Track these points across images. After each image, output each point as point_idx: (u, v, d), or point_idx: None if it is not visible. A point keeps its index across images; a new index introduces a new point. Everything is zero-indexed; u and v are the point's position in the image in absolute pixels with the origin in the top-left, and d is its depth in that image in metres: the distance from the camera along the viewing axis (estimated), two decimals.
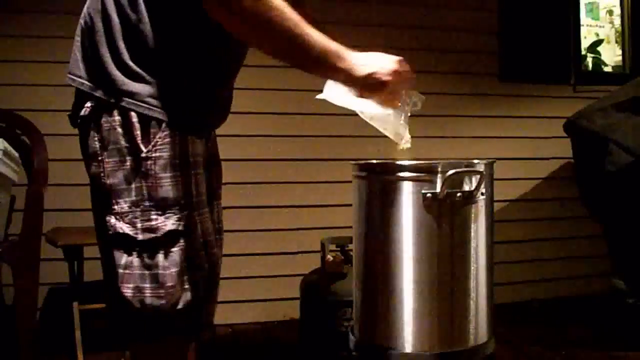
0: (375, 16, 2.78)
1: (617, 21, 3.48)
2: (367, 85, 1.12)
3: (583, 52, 3.31)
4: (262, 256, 2.74)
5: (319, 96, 1.25)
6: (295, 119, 2.77)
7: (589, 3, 3.47)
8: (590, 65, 3.43)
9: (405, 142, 1.32)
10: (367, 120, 1.28)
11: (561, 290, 3.05)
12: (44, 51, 2.51)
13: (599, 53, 3.45)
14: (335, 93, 1.23)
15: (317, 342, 2.11)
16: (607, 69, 3.49)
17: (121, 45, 1.01)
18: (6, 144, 1.90)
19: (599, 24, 3.52)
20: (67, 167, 2.33)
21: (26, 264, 1.95)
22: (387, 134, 1.31)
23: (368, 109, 1.26)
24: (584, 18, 3.35)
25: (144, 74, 1.01)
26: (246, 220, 2.71)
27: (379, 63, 1.12)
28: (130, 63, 1.01)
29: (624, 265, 2.40)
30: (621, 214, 2.35)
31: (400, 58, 1.15)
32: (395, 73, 1.13)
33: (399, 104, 1.26)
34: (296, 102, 2.70)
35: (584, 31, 3.31)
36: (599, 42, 3.46)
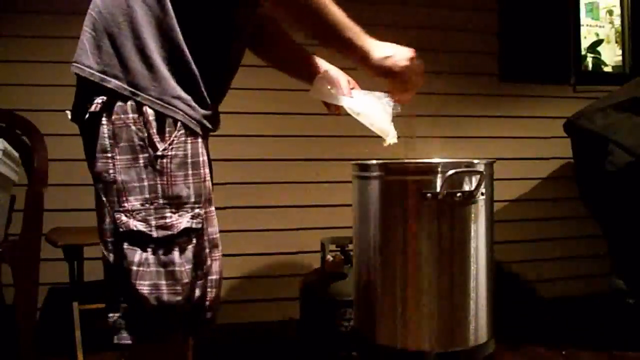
0: (375, 16, 2.78)
1: (617, 21, 3.48)
2: (383, 69, 1.17)
3: (583, 52, 3.31)
4: (262, 256, 2.74)
5: (309, 93, 1.28)
6: (295, 119, 2.77)
7: (589, 3, 3.47)
8: (590, 65, 3.43)
9: (392, 138, 1.34)
10: (355, 117, 1.31)
11: (561, 290, 3.05)
12: (44, 51, 2.51)
13: (599, 53, 3.45)
14: (323, 90, 1.27)
15: (317, 342, 2.11)
16: (607, 69, 3.49)
17: (146, 39, 1.00)
18: (6, 144, 1.90)
19: (599, 24, 3.52)
20: (67, 167, 2.33)
21: (26, 264, 1.95)
22: (373, 129, 1.33)
23: (355, 105, 1.29)
24: (584, 18, 3.35)
25: (163, 70, 1.01)
26: (246, 220, 2.71)
27: (396, 49, 1.19)
28: (154, 57, 1.00)
29: (624, 265, 2.40)
30: (621, 214, 2.35)
31: (414, 51, 1.21)
32: (411, 61, 1.19)
33: (409, 98, 1.30)
34: (296, 102, 2.70)
35: (584, 31, 3.31)
36: (599, 42, 3.46)
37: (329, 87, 1.29)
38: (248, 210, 2.72)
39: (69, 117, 1.10)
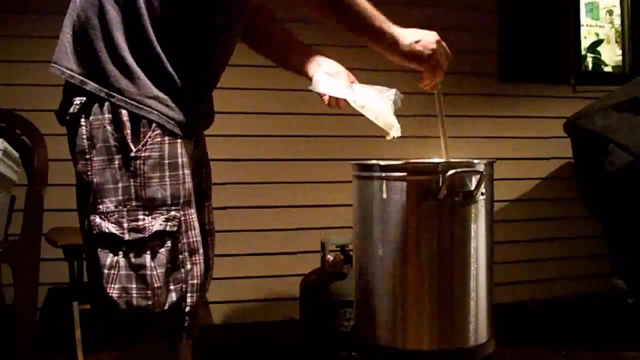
0: None
1: (617, 21, 3.48)
2: (414, 54, 1.19)
3: (583, 52, 3.31)
4: (262, 256, 2.74)
5: (310, 87, 1.27)
6: (295, 119, 2.77)
7: (589, 3, 3.46)
8: (590, 65, 3.43)
9: (395, 131, 1.33)
10: (358, 110, 1.30)
11: (561, 290, 3.05)
12: (44, 51, 2.48)
13: (599, 53, 3.45)
14: (325, 83, 1.26)
15: (317, 342, 2.11)
16: (607, 69, 3.49)
17: (118, 40, 1.00)
18: (6, 144, 1.90)
19: (599, 24, 3.52)
20: (67, 167, 2.30)
21: (26, 264, 1.95)
22: (377, 122, 1.32)
23: (359, 98, 1.27)
24: (584, 18, 3.34)
25: (138, 71, 1.01)
26: (246, 220, 2.71)
27: (423, 33, 1.21)
28: (127, 57, 1.00)
29: (624, 265, 2.40)
30: (621, 214, 2.35)
31: (437, 34, 1.22)
32: (439, 43, 1.21)
33: (439, 80, 1.31)
34: (296, 102, 2.70)
35: (584, 31, 3.31)
36: (599, 42, 3.46)
37: (330, 80, 1.27)
38: (248, 210, 2.72)
39: (57, 118, 1.10)
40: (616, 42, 3.52)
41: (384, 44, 1.18)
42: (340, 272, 2.10)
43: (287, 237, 2.76)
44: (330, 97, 1.30)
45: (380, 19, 1.15)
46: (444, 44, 1.23)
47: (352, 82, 1.33)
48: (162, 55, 1.02)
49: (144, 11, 1.00)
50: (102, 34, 1.01)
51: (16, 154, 2.02)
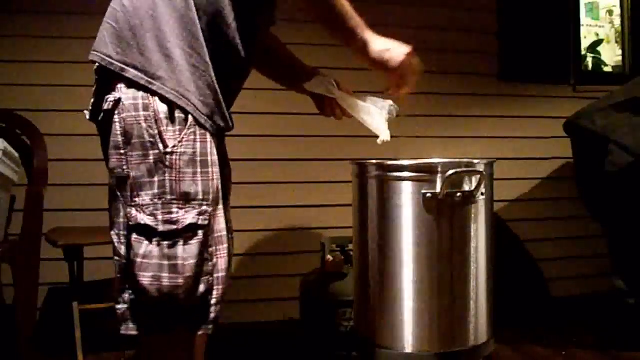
0: (375, 16, 2.77)
1: (617, 21, 3.48)
2: (380, 61, 1.23)
3: (583, 52, 3.31)
4: (262, 256, 2.74)
5: (305, 85, 1.34)
6: (295, 119, 2.76)
7: (589, 3, 3.46)
8: (590, 65, 3.43)
9: (385, 136, 1.34)
10: (350, 112, 1.32)
11: (561, 290, 3.05)
12: (44, 51, 2.51)
13: (599, 53, 3.45)
14: (322, 84, 1.31)
15: (317, 342, 2.11)
16: (607, 69, 3.49)
17: (166, 30, 1.03)
18: (6, 144, 1.90)
19: (599, 24, 3.52)
20: (67, 167, 2.33)
21: (26, 264, 1.95)
22: (368, 126, 1.34)
23: (353, 101, 1.30)
24: (584, 18, 3.34)
25: (181, 63, 1.04)
26: (247, 220, 2.70)
27: (395, 45, 1.24)
28: (172, 48, 1.03)
29: (624, 265, 2.40)
30: (621, 214, 2.35)
31: (412, 48, 1.26)
32: (408, 58, 1.23)
33: (406, 93, 1.32)
34: (296, 102, 2.69)
35: (584, 31, 3.31)
36: (599, 42, 3.46)
37: (328, 83, 1.32)
38: (248, 210, 2.72)
39: (87, 117, 1.12)
40: (616, 42, 3.52)
41: (356, 46, 1.22)
42: (340, 272, 2.10)
43: (287, 237, 2.76)
44: (326, 106, 1.35)
45: (357, 22, 1.19)
46: (415, 60, 1.26)
47: (346, 92, 1.37)
48: (207, 52, 1.06)
49: (194, 6, 1.04)
50: (152, 25, 1.03)
51: (16, 154, 2.02)
